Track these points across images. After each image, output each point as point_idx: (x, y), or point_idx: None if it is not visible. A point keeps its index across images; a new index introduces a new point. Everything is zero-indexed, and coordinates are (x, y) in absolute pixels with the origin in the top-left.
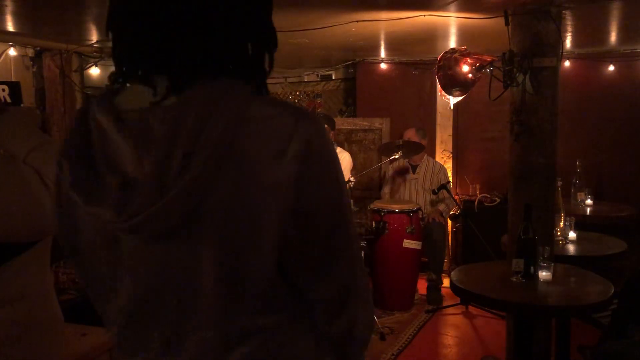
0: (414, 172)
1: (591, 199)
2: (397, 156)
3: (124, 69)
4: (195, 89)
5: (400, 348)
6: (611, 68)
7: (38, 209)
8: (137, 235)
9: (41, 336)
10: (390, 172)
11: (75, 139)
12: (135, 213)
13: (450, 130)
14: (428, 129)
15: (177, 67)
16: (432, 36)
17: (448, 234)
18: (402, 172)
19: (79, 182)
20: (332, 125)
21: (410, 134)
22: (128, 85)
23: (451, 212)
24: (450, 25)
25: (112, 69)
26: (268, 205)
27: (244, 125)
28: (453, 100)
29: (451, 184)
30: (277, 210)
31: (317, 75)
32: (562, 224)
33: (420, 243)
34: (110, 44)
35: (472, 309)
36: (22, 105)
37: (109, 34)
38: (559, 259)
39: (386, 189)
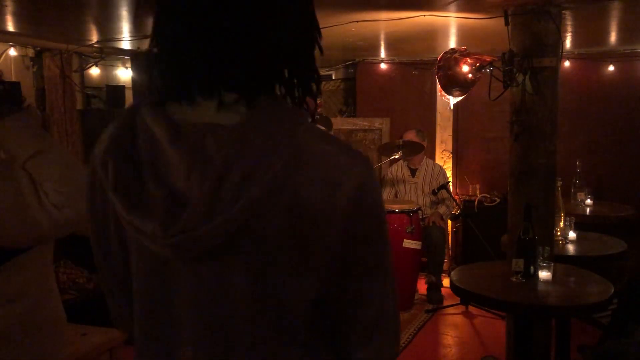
0: (413, 176)
1: (591, 199)
2: (397, 156)
3: (181, 81)
4: (257, 111)
5: (400, 348)
6: (611, 68)
7: (29, 217)
8: (175, 255)
9: (43, 335)
10: (389, 176)
11: (122, 140)
12: (181, 231)
13: (450, 130)
14: (428, 129)
15: (243, 78)
16: (432, 36)
17: (448, 235)
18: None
19: (122, 186)
20: (330, 126)
21: (411, 136)
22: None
23: (452, 213)
24: (450, 25)
25: (113, 69)
26: (316, 238)
27: (301, 160)
28: (453, 100)
29: (451, 184)
30: (324, 245)
31: None
32: (562, 224)
33: (420, 243)
34: (110, 44)
35: (472, 309)
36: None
37: (157, 42)
38: (559, 259)
39: (385, 193)
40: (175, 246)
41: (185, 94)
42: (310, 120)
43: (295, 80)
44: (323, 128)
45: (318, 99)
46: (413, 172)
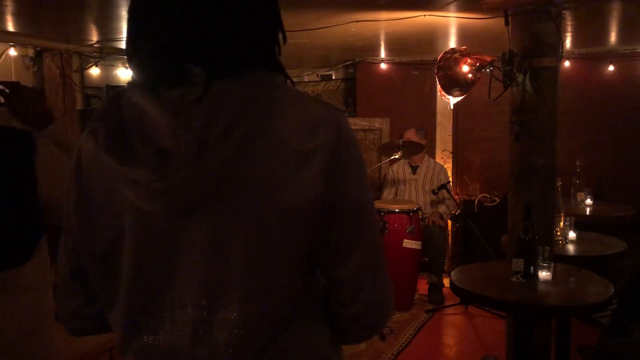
0: (414, 173)
1: (591, 199)
2: (397, 156)
3: (158, 62)
4: (233, 77)
5: (400, 348)
6: (611, 68)
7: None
8: (169, 204)
9: (49, 327)
10: (390, 174)
11: (109, 113)
12: (171, 174)
13: (450, 130)
14: (428, 129)
15: (218, 59)
16: (432, 36)
17: (448, 235)
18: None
19: (113, 145)
20: None
21: (410, 135)
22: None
23: (452, 213)
24: (450, 25)
25: (113, 69)
26: (303, 175)
27: (280, 106)
28: (453, 100)
29: (451, 184)
30: (311, 182)
31: (317, 75)
32: (562, 224)
33: (420, 243)
34: (110, 44)
35: (472, 309)
36: None
37: (134, 37)
38: (559, 259)
39: (386, 192)
40: (164, 191)
41: (161, 79)
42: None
43: (264, 60)
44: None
45: None
46: (414, 170)
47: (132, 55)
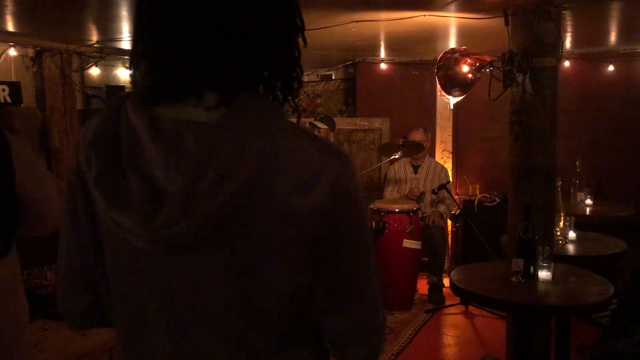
0: (415, 173)
1: (591, 199)
2: (397, 156)
3: (165, 77)
4: (235, 109)
5: (400, 348)
6: (611, 68)
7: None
8: (153, 249)
9: (25, 328)
10: (391, 173)
11: (105, 134)
12: (158, 227)
13: (450, 130)
14: (428, 129)
15: (226, 79)
16: (432, 36)
17: (448, 235)
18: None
19: (104, 180)
20: (333, 126)
21: (418, 135)
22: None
23: (451, 212)
24: (450, 25)
25: (113, 69)
26: (291, 234)
27: (276, 157)
28: (453, 100)
29: (451, 184)
30: (297, 239)
31: (317, 75)
32: (562, 224)
33: (420, 243)
34: (110, 44)
35: (472, 309)
36: (22, 105)
37: (140, 42)
38: (559, 259)
39: (389, 190)
40: (153, 241)
41: (168, 93)
42: (296, 117)
43: (276, 81)
44: (307, 127)
45: (318, 99)
46: (415, 169)
47: (139, 60)
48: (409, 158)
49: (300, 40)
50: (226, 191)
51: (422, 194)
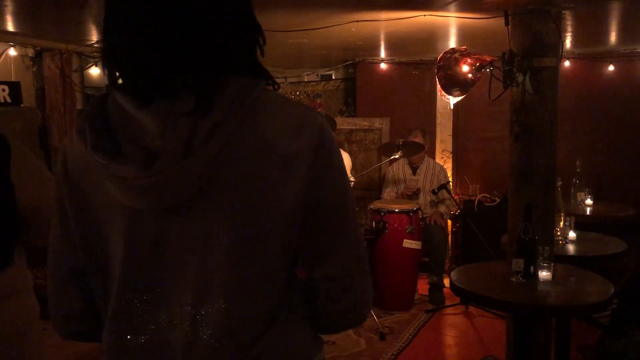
0: (414, 174)
1: (591, 199)
2: (397, 156)
3: (137, 83)
4: (219, 80)
5: (400, 348)
6: (611, 68)
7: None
8: (156, 200)
9: (38, 332)
10: (390, 174)
11: (95, 114)
12: (158, 172)
13: (450, 130)
14: (428, 129)
15: (204, 66)
16: (432, 36)
17: (449, 235)
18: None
19: (100, 144)
20: (333, 126)
21: (418, 138)
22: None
23: (451, 213)
24: (450, 25)
25: None
26: (286, 177)
27: (263, 109)
28: (453, 100)
29: (451, 184)
30: (294, 181)
31: (317, 75)
32: (562, 224)
33: (420, 243)
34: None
35: (472, 309)
36: (22, 105)
37: (111, 39)
38: (559, 259)
39: (387, 191)
40: (151, 189)
41: (142, 96)
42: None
43: (248, 66)
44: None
45: (318, 99)
46: (414, 170)
47: (110, 57)
48: (407, 159)
49: (260, 41)
50: (220, 136)
51: (418, 189)
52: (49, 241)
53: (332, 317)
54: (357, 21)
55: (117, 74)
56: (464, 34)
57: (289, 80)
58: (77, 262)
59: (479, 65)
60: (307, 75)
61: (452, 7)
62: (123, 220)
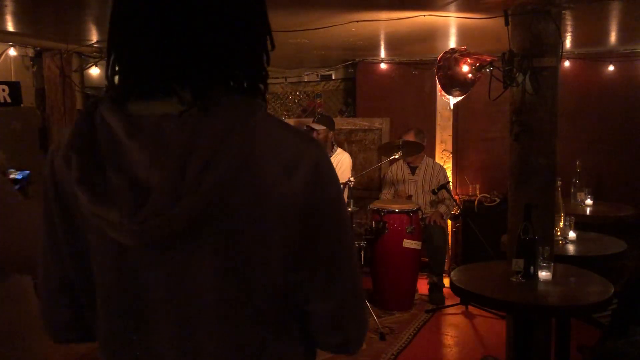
0: (413, 174)
1: (591, 199)
2: (397, 156)
3: (138, 77)
4: (213, 102)
5: (400, 348)
6: (611, 68)
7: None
8: (142, 242)
9: (32, 333)
10: (389, 175)
11: (82, 136)
12: (146, 217)
13: (450, 130)
14: (428, 129)
15: (199, 77)
16: (432, 36)
17: (449, 235)
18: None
19: (86, 178)
20: (332, 126)
21: (410, 137)
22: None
23: (451, 213)
24: (450, 25)
25: None
26: (276, 219)
27: (257, 145)
28: (453, 100)
29: (451, 184)
30: (284, 225)
31: (317, 75)
32: (562, 224)
33: (420, 243)
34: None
35: (472, 309)
36: (22, 105)
37: (113, 43)
38: (559, 259)
39: (385, 191)
40: (142, 233)
41: (141, 91)
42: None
43: (244, 81)
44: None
45: (318, 99)
46: (413, 170)
47: (114, 61)
48: (406, 160)
49: (267, 42)
50: (211, 180)
51: (410, 196)
52: (38, 250)
53: (323, 347)
54: (357, 21)
55: (117, 72)
56: (464, 34)
57: (289, 80)
58: (65, 274)
59: (479, 65)
60: (307, 75)
61: (452, 7)
62: (109, 248)
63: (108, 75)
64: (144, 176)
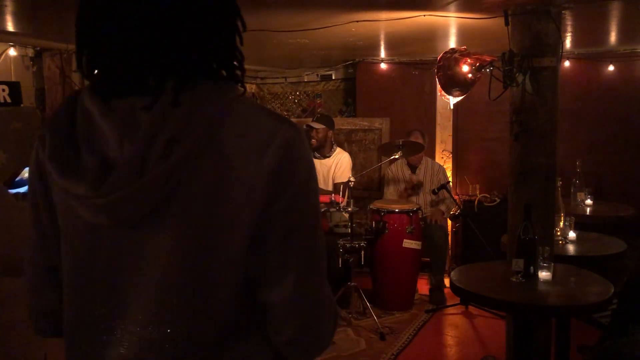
0: (413, 174)
1: (591, 199)
2: (397, 156)
3: (114, 76)
4: (186, 90)
5: (400, 348)
6: (611, 68)
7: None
8: (108, 220)
9: (21, 336)
10: (389, 174)
11: (59, 118)
12: (111, 191)
13: (450, 130)
14: (428, 129)
15: (174, 71)
16: (432, 36)
17: (449, 235)
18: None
19: (57, 154)
20: (331, 125)
21: (416, 139)
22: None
23: (451, 212)
24: (450, 25)
25: None
26: (242, 199)
27: (228, 122)
28: (453, 100)
29: (451, 183)
30: (250, 206)
31: (317, 75)
32: (562, 224)
33: (420, 243)
34: None
35: (472, 309)
36: (22, 105)
37: (83, 36)
38: (559, 259)
39: (391, 189)
40: (105, 207)
41: (119, 86)
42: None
43: (220, 68)
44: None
45: (318, 99)
46: (413, 170)
47: (83, 56)
48: (405, 160)
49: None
50: (175, 157)
51: (419, 182)
52: (26, 236)
53: (280, 349)
54: (357, 21)
55: (91, 65)
56: (464, 34)
57: (289, 80)
58: (51, 259)
59: (479, 65)
60: (307, 75)
61: (452, 7)
62: (82, 230)
63: (83, 70)
64: (113, 154)
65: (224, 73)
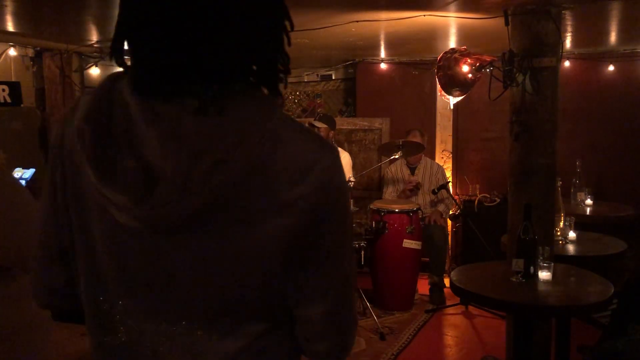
0: (412, 174)
1: (591, 199)
2: (397, 156)
3: (158, 76)
4: (231, 100)
5: (400, 348)
6: (611, 68)
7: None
8: (144, 227)
9: (30, 336)
10: (388, 175)
11: (100, 111)
12: (152, 207)
13: (450, 130)
14: (428, 129)
15: (218, 73)
16: (432, 36)
17: (449, 235)
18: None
19: (97, 156)
20: (333, 125)
21: (416, 137)
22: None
23: (451, 212)
24: (450, 25)
25: (113, 68)
26: (280, 222)
27: (274, 148)
28: (453, 100)
29: (451, 184)
30: (289, 230)
31: (317, 75)
32: (562, 224)
33: (420, 243)
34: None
35: (472, 309)
36: (22, 105)
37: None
38: (559, 259)
39: (390, 190)
40: (145, 219)
41: (161, 87)
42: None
43: (265, 73)
44: (297, 120)
45: (318, 99)
46: (412, 170)
47: (124, 50)
48: (404, 160)
49: (287, 33)
50: (221, 177)
51: (418, 183)
52: (38, 216)
53: (308, 354)
54: (357, 21)
55: (133, 62)
56: (464, 34)
57: (289, 80)
58: (64, 241)
59: (479, 65)
60: (307, 75)
61: (452, 7)
62: (109, 226)
63: (123, 65)
64: (156, 163)
65: (266, 75)
